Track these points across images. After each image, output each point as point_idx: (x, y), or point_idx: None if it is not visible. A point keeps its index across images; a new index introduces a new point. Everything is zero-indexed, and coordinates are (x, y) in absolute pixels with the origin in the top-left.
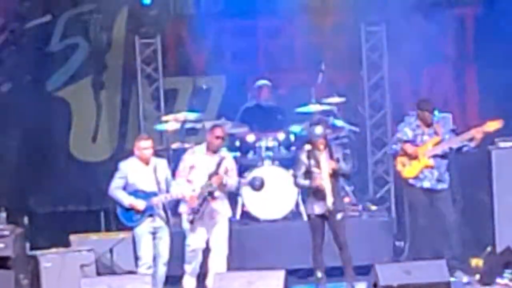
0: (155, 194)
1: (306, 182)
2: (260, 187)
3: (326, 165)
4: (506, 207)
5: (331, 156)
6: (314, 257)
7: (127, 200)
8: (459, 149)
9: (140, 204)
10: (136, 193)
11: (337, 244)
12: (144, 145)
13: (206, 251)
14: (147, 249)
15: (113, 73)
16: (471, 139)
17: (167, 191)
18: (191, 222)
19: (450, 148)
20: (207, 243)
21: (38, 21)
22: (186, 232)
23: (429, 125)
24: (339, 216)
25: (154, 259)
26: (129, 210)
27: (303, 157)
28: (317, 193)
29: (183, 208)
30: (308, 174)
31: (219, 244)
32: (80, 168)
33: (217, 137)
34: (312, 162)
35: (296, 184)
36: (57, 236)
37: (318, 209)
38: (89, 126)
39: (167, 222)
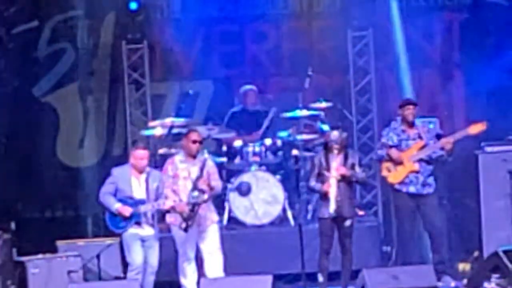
0: (143, 202)
1: (317, 186)
2: (247, 192)
3: (334, 170)
4: (493, 212)
5: (345, 162)
6: (319, 261)
7: (115, 205)
8: (437, 159)
9: (127, 211)
10: (124, 200)
11: (341, 249)
12: (140, 155)
13: (200, 259)
14: (136, 255)
15: (100, 79)
16: (442, 148)
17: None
18: (185, 230)
19: (431, 158)
20: (199, 250)
21: (25, 27)
22: (176, 243)
23: (411, 125)
24: (347, 222)
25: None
26: (116, 216)
27: (317, 160)
28: (326, 197)
29: (170, 218)
30: (320, 177)
31: (213, 251)
32: (67, 174)
33: (194, 142)
34: (325, 165)
35: (307, 187)
36: (44, 242)
37: (327, 213)
38: (76, 131)
39: (154, 229)
